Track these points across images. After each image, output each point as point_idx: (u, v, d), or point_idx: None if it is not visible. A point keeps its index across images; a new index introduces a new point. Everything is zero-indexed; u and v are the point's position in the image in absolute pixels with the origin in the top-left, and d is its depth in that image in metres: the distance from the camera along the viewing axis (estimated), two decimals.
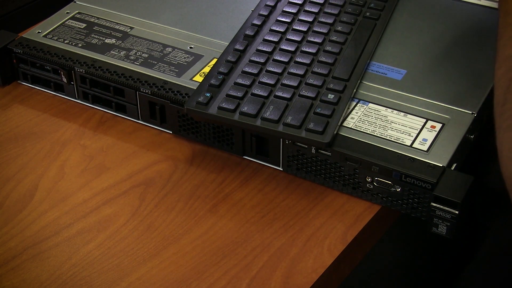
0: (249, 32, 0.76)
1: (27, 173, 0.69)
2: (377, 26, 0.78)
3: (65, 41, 0.79)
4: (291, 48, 0.73)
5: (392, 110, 0.69)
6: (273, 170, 0.69)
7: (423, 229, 0.64)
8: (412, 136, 0.66)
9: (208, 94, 0.67)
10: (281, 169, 0.69)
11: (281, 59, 0.72)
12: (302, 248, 0.61)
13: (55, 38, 0.79)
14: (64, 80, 0.77)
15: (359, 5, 0.80)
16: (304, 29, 0.76)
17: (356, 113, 0.68)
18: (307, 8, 0.79)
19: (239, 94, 0.67)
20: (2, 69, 0.79)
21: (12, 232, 0.63)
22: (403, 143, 0.65)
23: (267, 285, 0.58)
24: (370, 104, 0.69)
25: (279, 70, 0.70)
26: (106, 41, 0.78)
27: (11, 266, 0.60)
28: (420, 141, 0.65)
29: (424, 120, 0.67)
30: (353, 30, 0.77)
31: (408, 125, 0.67)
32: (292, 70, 0.70)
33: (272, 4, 0.80)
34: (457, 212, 0.60)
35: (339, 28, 0.76)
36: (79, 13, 0.84)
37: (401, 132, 0.66)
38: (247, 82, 0.68)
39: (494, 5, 0.83)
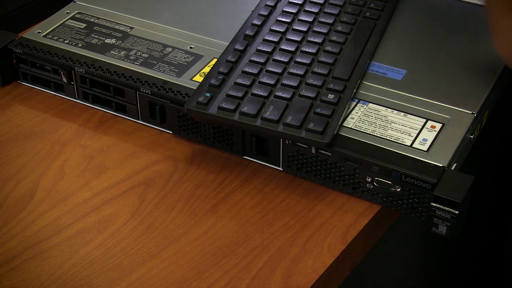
0: (249, 32, 0.75)
1: (27, 173, 0.69)
2: (377, 26, 0.78)
3: (65, 41, 0.79)
4: (291, 48, 0.73)
5: (392, 110, 0.69)
6: (273, 170, 0.69)
7: (423, 229, 0.64)
8: (412, 136, 0.66)
9: (208, 94, 0.67)
10: (281, 169, 0.69)
11: (281, 59, 0.72)
12: (302, 248, 0.61)
13: (55, 38, 0.79)
14: (64, 80, 0.77)
15: (359, 5, 0.80)
16: (304, 29, 0.76)
17: (356, 113, 0.68)
18: (307, 8, 0.79)
19: (239, 94, 0.67)
20: (2, 69, 0.79)
21: (12, 232, 0.63)
22: (403, 143, 0.65)
23: (267, 285, 0.58)
24: (370, 104, 0.69)
25: (279, 70, 0.70)
26: (106, 41, 0.78)
27: (11, 266, 0.60)
28: (420, 141, 0.65)
29: (424, 120, 0.67)
30: (353, 30, 0.77)
31: (408, 125, 0.67)
32: (292, 70, 0.70)
33: (272, 4, 0.80)
34: (457, 212, 0.60)
35: (339, 28, 0.76)
36: (79, 13, 0.84)
37: (401, 132, 0.66)
38: (247, 82, 0.68)
39: None
